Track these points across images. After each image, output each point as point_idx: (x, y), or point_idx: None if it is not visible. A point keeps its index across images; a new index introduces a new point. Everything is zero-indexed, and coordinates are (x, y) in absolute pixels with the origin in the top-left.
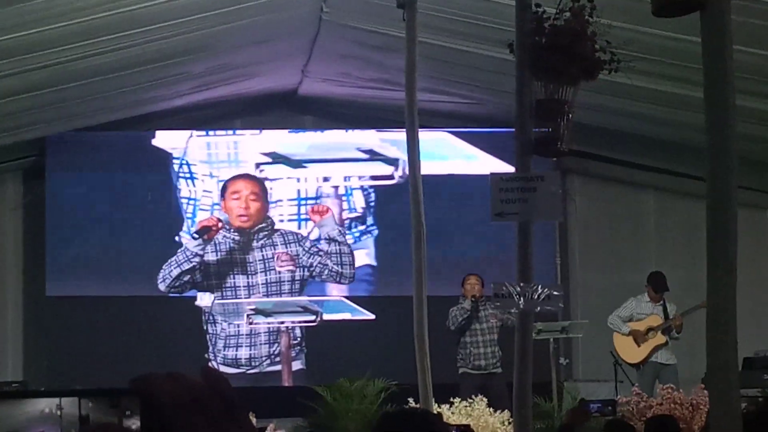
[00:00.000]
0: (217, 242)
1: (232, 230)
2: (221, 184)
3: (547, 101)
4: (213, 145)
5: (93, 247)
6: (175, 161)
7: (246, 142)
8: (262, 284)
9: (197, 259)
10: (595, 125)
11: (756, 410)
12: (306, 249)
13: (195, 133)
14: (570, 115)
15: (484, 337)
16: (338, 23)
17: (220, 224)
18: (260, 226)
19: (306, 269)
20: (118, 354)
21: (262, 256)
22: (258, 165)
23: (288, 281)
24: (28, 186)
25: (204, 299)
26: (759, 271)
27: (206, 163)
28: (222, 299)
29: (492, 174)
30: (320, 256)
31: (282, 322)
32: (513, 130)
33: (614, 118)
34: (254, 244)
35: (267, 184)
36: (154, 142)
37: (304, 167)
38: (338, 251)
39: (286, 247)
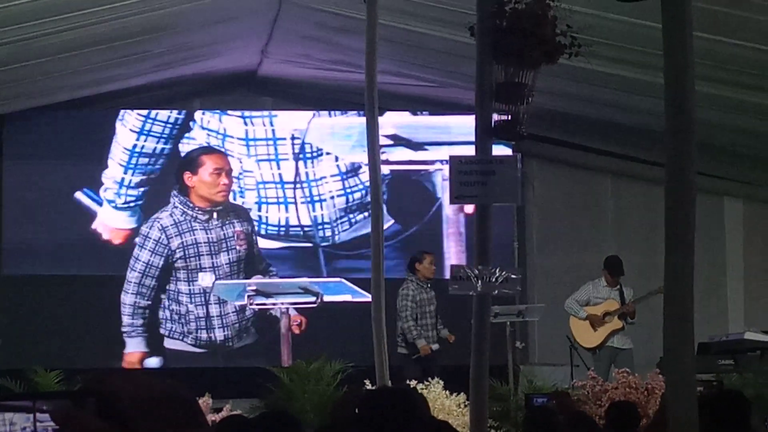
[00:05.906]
0: (177, 221)
1: (195, 209)
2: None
3: (507, 85)
4: (332, 126)
5: (49, 227)
6: (295, 141)
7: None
8: (226, 264)
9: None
10: (554, 109)
11: (711, 394)
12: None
13: (317, 113)
14: (530, 99)
15: (432, 320)
16: (299, 4)
17: None
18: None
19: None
20: (73, 334)
21: (224, 234)
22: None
23: (245, 260)
24: None
25: (205, 279)
26: (716, 256)
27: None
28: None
29: (451, 156)
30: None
31: (282, 304)
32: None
33: (573, 102)
34: (215, 222)
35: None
36: (276, 120)
37: (425, 150)
38: None
39: (241, 225)
